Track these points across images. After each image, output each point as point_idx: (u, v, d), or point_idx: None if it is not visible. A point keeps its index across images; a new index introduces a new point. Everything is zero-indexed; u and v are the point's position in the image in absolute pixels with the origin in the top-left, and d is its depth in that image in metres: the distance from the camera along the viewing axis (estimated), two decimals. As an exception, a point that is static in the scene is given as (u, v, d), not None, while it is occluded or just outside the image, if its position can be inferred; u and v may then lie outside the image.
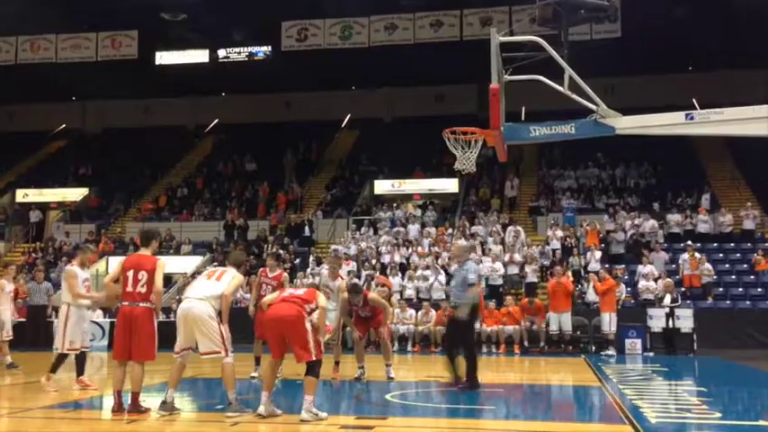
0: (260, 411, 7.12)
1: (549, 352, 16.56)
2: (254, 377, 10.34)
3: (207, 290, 7.36)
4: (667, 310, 16.72)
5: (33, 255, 25.79)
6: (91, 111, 37.31)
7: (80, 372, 9.65)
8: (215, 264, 21.23)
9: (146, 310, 7.38)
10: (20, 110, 35.72)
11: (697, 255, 19.61)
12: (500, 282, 19.66)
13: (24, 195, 32.18)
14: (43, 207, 31.24)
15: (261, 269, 11.14)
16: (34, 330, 18.05)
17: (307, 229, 25.36)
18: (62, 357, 9.61)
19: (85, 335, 9.86)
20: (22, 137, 35.06)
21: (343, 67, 30.51)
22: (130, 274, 7.42)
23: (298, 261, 22.64)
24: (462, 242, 11.44)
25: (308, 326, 7.08)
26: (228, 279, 7.48)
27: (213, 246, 24.66)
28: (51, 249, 26.40)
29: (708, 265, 19.34)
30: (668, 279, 18.12)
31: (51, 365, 9.55)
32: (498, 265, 19.77)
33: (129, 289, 7.38)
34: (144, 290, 7.37)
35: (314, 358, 7.06)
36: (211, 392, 9.67)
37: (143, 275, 7.38)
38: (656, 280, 18.41)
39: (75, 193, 31.92)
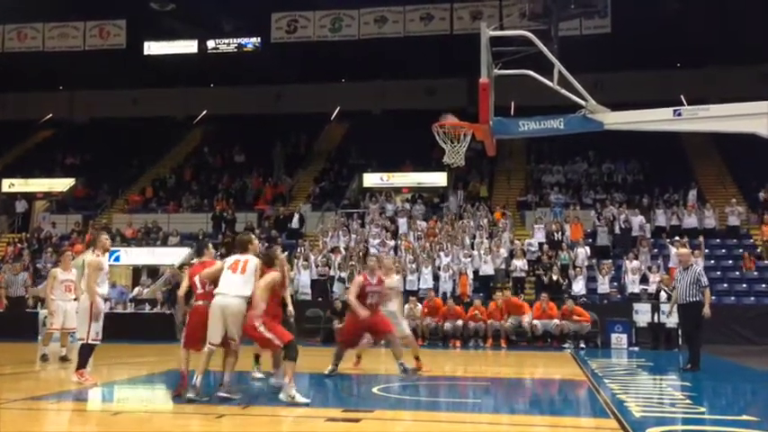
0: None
1: (537, 346, 16.64)
2: (255, 377, 9.91)
3: (239, 287, 7.65)
4: (664, 302, 16.85)
5: (19, 245, 25.60)
6: (78, 100, 37.01)
7: (82, 364, 9.17)
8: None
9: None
10: (6, 99, 35.45)
11: (683, 250, 19.66)
12: (492, 275, 19.69)
13: (10, 185, 31.90)
14: (29, 197, 31.01)
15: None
16: (13, 322, 18.06)
17: (295, 221, 25.30)
18: (87, 349, 9.09)
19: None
20: (8, 126, 34.76)
21: (332, 59, 30.42)
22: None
23: (285, 254, 22.53)
24: (685, 250, 12.26)
25: (256, 323, 7.43)
26: (252, 269, 7.72)
27: (199, 237, 24.54)
28: (36, 240, 26.22)
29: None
30: (665, 274, 18.22)
31: (78, 361, 9.13)
32: (490, 258, 19.79)
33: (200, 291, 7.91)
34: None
35: (278, 343, 7.44)
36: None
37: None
38: (639, 271, 18.57)
39: (62, 184, 31.68)
